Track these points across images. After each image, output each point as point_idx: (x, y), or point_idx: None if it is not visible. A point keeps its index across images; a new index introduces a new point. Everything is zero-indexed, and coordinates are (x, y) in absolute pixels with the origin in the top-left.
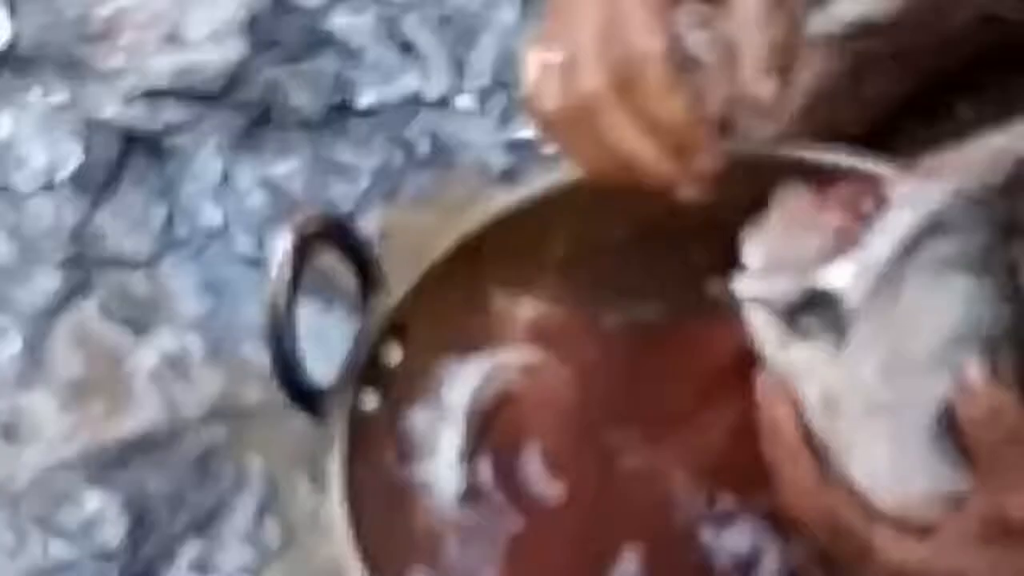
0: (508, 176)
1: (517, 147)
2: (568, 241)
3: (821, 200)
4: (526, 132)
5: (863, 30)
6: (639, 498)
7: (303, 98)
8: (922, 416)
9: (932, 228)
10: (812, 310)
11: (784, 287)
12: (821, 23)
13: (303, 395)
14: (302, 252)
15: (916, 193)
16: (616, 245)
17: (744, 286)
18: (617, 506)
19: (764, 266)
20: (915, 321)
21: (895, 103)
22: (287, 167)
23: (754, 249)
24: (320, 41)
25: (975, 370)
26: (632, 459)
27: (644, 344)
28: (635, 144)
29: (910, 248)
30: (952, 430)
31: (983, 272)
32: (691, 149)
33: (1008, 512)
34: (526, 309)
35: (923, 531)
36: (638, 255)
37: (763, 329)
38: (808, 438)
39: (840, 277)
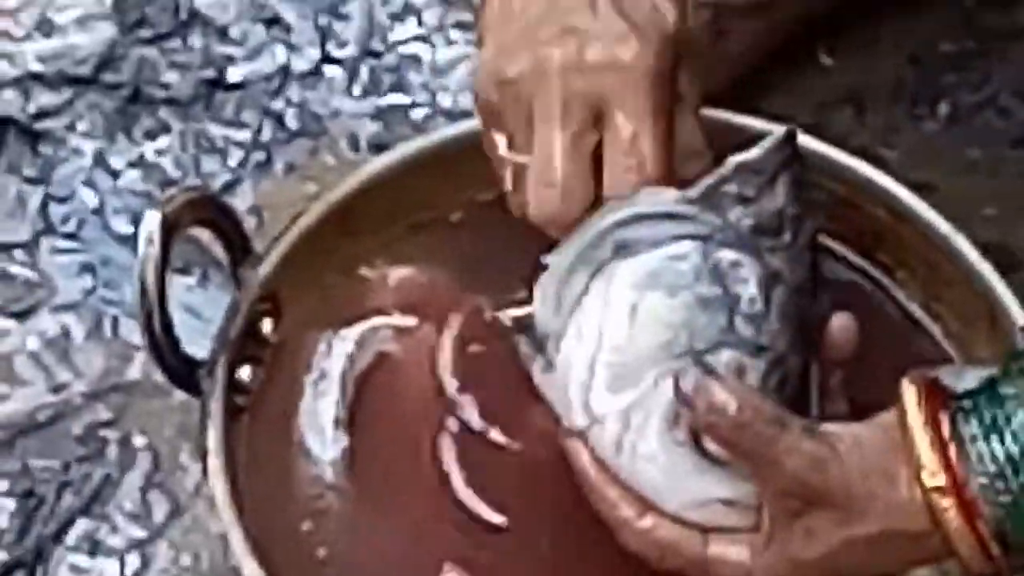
0: (377, 144)
1: (386, 114)
2: (439, 207)
3: None
4: (394, 99)
5: None
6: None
7: (173, 76)
8: (655, 427)
9: (616, 248)
10: (524, 334)
11: (504, 315)
12: None
13: (178, 370)
14: (169, 229)
15: (596, 215)
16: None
17: (502, 315)
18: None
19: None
20: (614, 337)
21: (759, 55)
22: (159, 145)
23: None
24: (187, 19)
25: (686, 379)
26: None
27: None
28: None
29: (593, 267)
30: (694, 438)
31: (676, 285)
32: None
33: (785, 485)
34: (398, 275)
35: (749, 536)
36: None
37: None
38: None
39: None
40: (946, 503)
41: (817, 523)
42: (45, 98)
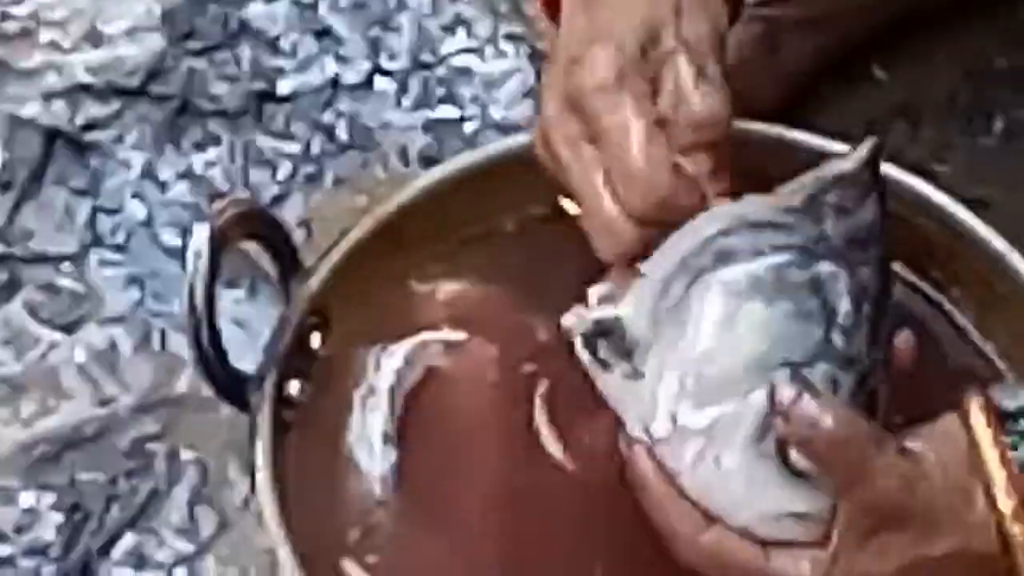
0: (428, 157)
1: (436, 127)
2: (490, 221)
3: None
4: (445, 112)
5: None
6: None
7: (222, 88)
8: (742, 439)
9: (717, 256)
10: (605, 338)
11: (580, 316)
12: None
13: (226, 384)
14: (218, 242)
15: (696, 222)
16: (539, 225)
17: (565, 319)
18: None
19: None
20: (709, 346)
21: (811, 69)
22: (208, 157)
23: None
24: (237, 31)
25: (784, 391)
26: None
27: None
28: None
29: (692, 274)
30: (780, 451)
31: (777, 296)
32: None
33: (871, 503)
34: (448, 289)
35: (812, 552)
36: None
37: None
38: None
39: (623, 303)
40: (1016, 528)
41: (891, 541)
42: (94, 109)
